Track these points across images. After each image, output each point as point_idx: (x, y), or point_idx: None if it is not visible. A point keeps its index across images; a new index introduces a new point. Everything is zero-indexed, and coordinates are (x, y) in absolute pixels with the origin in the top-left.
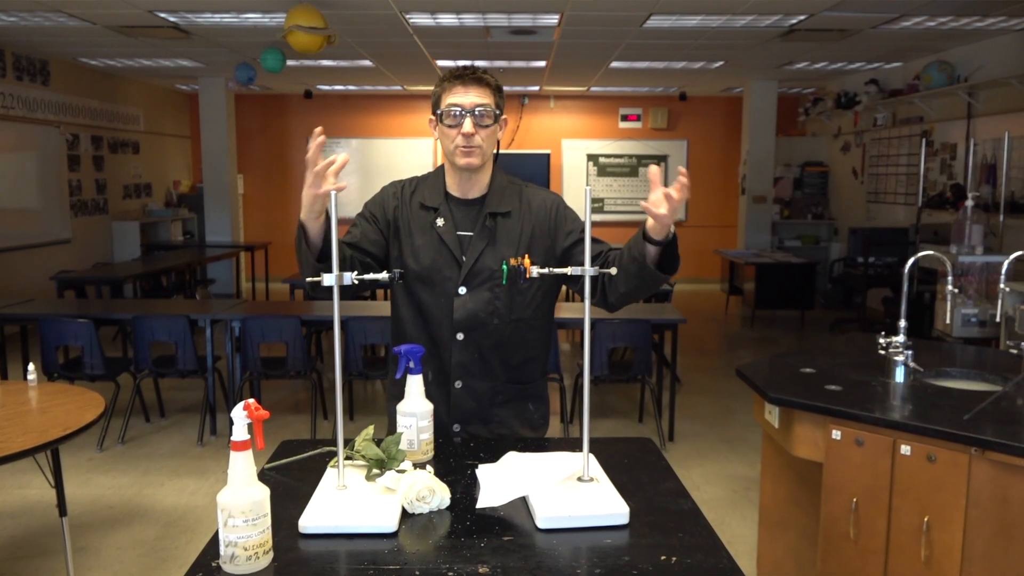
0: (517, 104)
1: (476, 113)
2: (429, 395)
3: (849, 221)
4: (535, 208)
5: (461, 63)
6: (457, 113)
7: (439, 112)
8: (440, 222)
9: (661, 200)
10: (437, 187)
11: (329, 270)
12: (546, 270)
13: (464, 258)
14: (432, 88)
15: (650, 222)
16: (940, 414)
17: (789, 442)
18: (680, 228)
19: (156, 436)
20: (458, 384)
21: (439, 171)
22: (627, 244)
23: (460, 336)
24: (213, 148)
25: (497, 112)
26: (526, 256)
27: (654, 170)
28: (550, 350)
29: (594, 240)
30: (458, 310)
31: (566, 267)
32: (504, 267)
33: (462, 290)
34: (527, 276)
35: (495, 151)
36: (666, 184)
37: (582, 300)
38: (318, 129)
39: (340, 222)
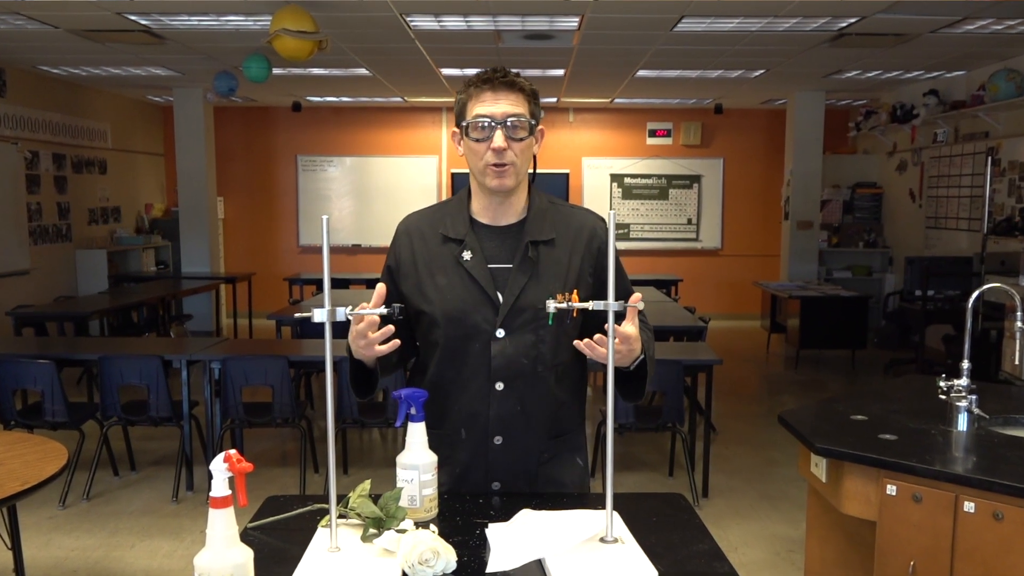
0: None
1: (508, 124)
2: (465, 454)
3: (906, 249)
4: (576, 232)
5: (468, 72)
6: (486, 125)
7: (464, 124)
8: (467, 255)
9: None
10: (461, 214)
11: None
12: (564, 304)
13: (501, 296)
14: (453, 98)
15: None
16: (1008, 467)
17: (838, 498)
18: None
19: (126, 491)
20: (498, 440)
21: (462, 196)
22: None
23: (499, 386)
24: (190, 167)
25: (532, 122)
26: (575, 292)
27: (636, 298)
28: (586, 392)
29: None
30: (496, 357)
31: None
32: (551, 306)
33: (500, 333)
34: (574, 315)
35: (532, 170)
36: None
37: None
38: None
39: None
